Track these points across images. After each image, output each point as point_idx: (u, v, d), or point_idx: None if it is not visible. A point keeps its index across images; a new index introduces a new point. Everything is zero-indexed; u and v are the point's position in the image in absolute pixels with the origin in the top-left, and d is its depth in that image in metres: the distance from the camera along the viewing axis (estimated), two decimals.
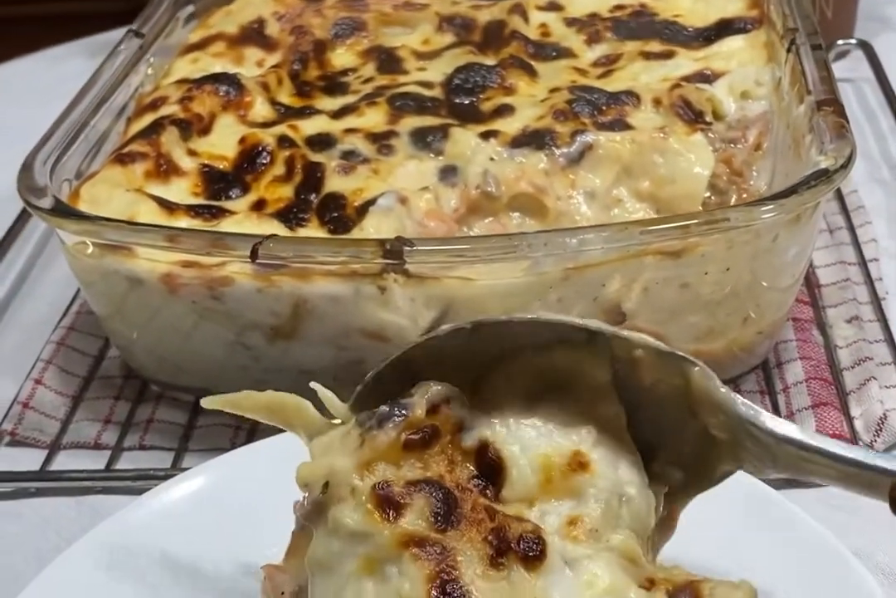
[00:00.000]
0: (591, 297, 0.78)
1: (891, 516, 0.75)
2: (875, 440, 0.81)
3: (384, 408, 0.64)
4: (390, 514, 0.59)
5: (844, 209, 1.05)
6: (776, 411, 0.84)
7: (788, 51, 0.95)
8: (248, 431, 0.85)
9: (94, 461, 0.84)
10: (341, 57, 1.09)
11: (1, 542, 0.79)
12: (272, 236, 0.77)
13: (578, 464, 0.60)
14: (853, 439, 0.81)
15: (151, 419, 0.87)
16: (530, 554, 0.57)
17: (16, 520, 0.81)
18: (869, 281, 0.96)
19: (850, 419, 0.83)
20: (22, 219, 1.10)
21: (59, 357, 0.92)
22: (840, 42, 1.28)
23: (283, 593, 0.65)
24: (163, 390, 0.90)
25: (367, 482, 0.60)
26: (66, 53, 1.46)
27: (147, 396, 0.90)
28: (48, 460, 0.85)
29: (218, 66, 1.05)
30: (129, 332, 0.87)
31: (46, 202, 0.80)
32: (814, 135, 0.82)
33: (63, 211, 0.80)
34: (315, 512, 0.62)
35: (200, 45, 1.09)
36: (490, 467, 0.61)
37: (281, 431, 0.79)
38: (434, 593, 0.55)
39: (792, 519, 0.69)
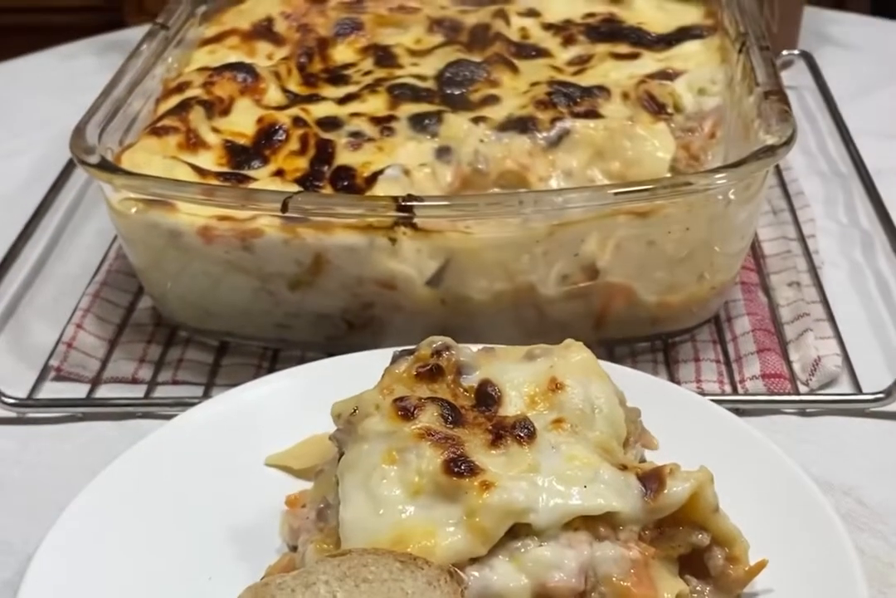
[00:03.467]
0: (572, 252, 0.90)
1: (821, 436, 0.89)
2: (810, 379, 0.94)
3: (396, 352, 0.78)
4: (408, 416, 0.72)
5: (787, 194, 1.19)
6: (726, 356, 0.97)
7: (739, 52, 1.09)
8: (268, 369, 0.97)
9: (133, 392, 0.95)
10: (342, 53, 1.22)
11: (55, 457, 0.89)
12: (300, 192, 0.89)
13: (556, 385, 0.75)
14: (791, 378, 0.95)
15: (181, 359, 0.98)
16: (523, 434, 0.70)
17: (67, 440, 0.91)
18: (807, 253, 1.10)
19: (789, 363, 0.96)
20: (49, 196, 1.20)
21: (95, 307, 1.03)
22: (785, 52, 1.42)
23: (307, 518, 0.74)
24: (191, 335, 1.00)
25: (387, 399, 0.73)
26: (75, 51, 1.56)
27: (176, 340, 1.00)
28: (91, 391, 0.95)
29: (233, 57, 1.17)
30: (164, 282, 0.98)
31: (96, 159, 0.91)
32: (761, 119, 0.96)
33: (113, 168, 0.91)
34: (346, 432, 0.74)
35: (216, 39, 1.21)
36: (487, 399, 0.75)
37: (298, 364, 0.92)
38: (447, 465, 0.68)
39: (747, 438, 0.80)
